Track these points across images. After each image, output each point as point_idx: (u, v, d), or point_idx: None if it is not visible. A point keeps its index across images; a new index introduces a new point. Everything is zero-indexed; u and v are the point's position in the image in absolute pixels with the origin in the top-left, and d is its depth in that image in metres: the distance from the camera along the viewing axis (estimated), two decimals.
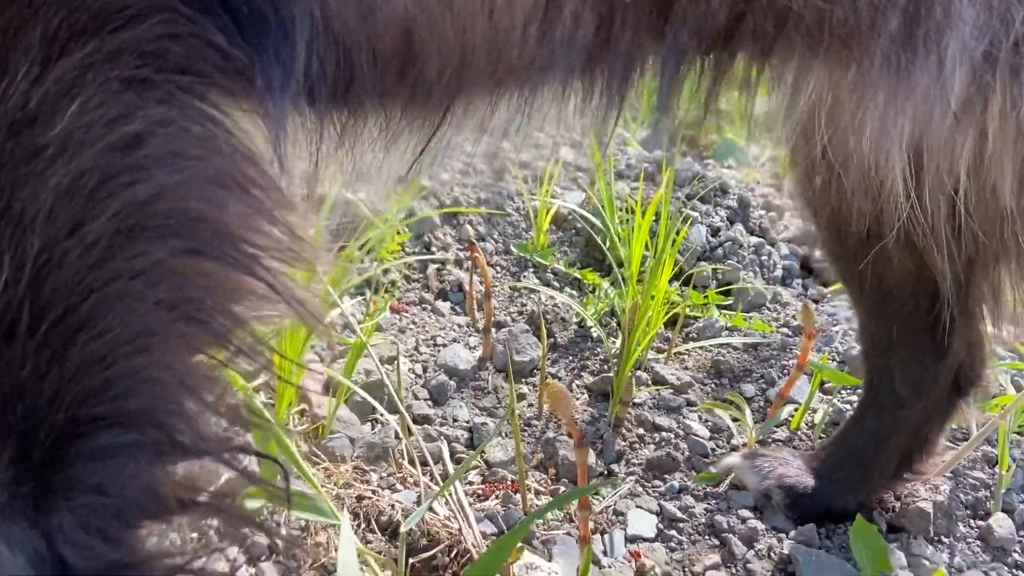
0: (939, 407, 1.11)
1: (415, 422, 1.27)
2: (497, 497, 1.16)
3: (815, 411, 1.41)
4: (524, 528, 0.80)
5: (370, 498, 1.05)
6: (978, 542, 1.20)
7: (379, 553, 0.99)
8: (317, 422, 1.19)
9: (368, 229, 1.55)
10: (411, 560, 0.94)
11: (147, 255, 0.47)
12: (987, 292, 0.94)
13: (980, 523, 1.22)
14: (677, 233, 1.54)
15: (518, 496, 1.16)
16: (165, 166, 0.47)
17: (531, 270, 1.69)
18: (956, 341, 1.02)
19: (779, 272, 1.82)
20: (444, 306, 1.57)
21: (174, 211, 0.48)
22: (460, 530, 0.99)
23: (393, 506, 1.05)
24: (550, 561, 1.07)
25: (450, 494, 1.05)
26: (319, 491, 0.95)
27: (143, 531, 0.49)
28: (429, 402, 1.32)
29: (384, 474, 1.14)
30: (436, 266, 1.63)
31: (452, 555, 0.99)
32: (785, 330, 1.64)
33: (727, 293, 1.75)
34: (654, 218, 1.62)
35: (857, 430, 1.17)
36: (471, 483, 1.19)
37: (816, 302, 1.79)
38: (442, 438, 1.23)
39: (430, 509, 1.04)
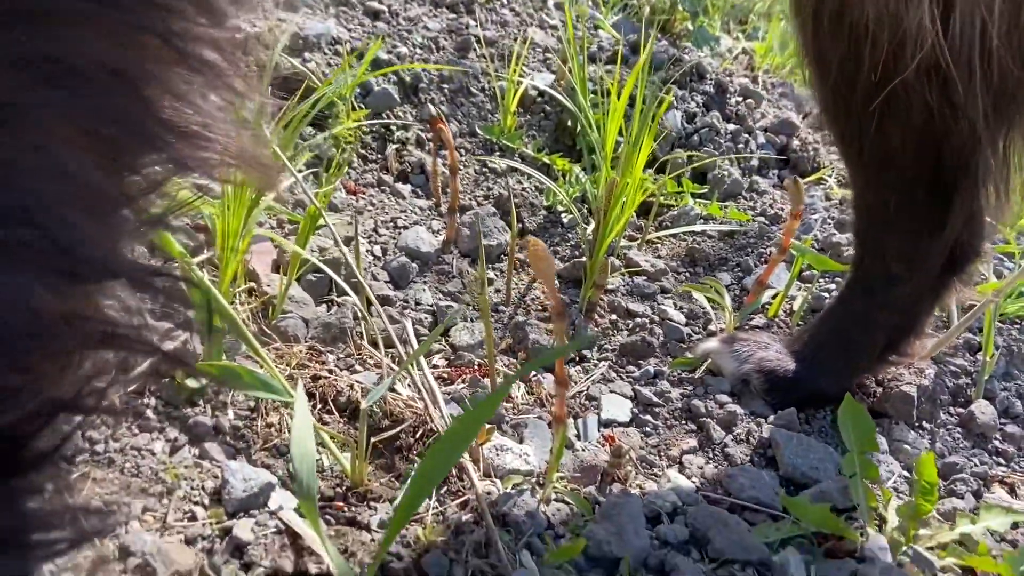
0: (931, 285, 1.05)
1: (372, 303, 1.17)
2: (464, 381, 1.09)
3: (793, 298, 1.36)
4: (494, 401, 0.72)
5: (327, 378, 0.97)
6: (959, 428, 1.17)
7: (333, 438, 0.91)
8: (267, 302, 1.09)
9: (320, 101, 1.42)
10: (372, 440, 0.87)
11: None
12: (999, 154, 0.87)
13: (961, 410, 1.18)
14: (652, 118, 1.44)
15: (486, 380, 1.09)
16: None
17: (497, 154, 1.58)
18: (955, 212, 0.96)
19: (755, 162, 1.74)
20: (404, 188, 1.46)
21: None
22: (425, 409, 0.91)
23: (352, 386, 0.97)
24: (521, 443, 1.01)
25: (414, 373, 0.97)
26: (269, 367, 0.86)
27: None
28: (389, 284, 1.23)
29: (342, 355, 1.06)
30: (396, 146, 1.51)
31: (417, 435, 0.91)
32: (762, 219, 1.57)
33: (702, 181, 1.67)
34: (628, 102, 1.52)
35: (842, 310, 1.11)
36: (435, 367, 1.11)
37: None
38: (406, 319, 1.15)
39: (392, 389, 0.96)
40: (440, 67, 1.63)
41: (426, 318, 1.18)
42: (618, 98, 1.47)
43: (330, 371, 0.99)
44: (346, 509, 0.83)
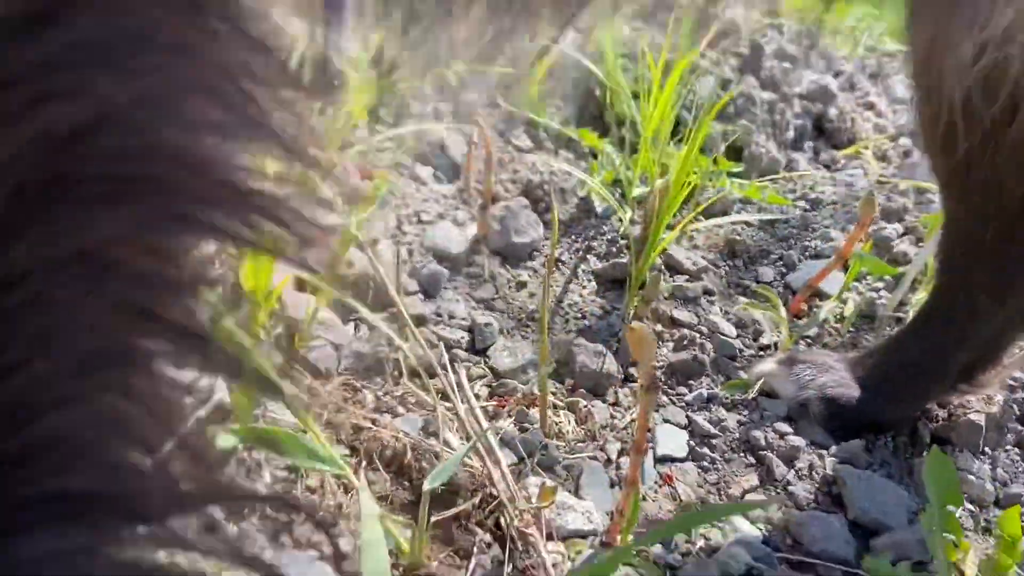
0: (1018, 317, 0.98)
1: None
2: (510, 415, 1.00)
3: (845, 302, 1.28)
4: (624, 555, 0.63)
5: (369, 429, 0.87)
6: (1016, 449, 1.12)
7: (384, 499, 0.82)
8: (292, 327, 0.98)
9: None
10: (433, 516, 0.78)
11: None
12: None
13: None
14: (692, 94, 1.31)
15: (534, 411, 1.00)
16: None
17: (522, 128, 1.45)
18: None
19: (791, 134, 1.63)
20: (425, 172, 1.33)
21: None
22: (488, 475, 0.82)
23: (397, 437, 0.88)
24: (577, 495, 0.93)
25: (469, 424, 0.87)
26: (314, 432, 0.76)
27: None
28: (420, 296, 1.12)
29: (380, 392, 0.95)
30: (413, 123, 1.37)
31: (476, 502, 0.83)
32: (803, 204, 1.47)
33: (737, 157, 1.56)
34: (662, 71, 1.38)
35: (916, 340, 1.03)
36: (477, 396, 1.02)
37: (828, 167, 1.62)
38: (440, 342, 1.04)
39: (445, 444, 0.87)
40: None
41: (464, 337, 1.08)
42: (659, 70, 1.33)
43: (372, 420, 0.89)
44: None
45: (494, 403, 1.01)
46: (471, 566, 0.77)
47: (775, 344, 1.17)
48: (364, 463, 0.85)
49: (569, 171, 1.36)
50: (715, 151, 1.55)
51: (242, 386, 0.83)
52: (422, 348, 0.97)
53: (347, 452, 0.85)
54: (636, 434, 0.78)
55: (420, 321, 1.06)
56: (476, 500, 0.83)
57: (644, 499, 0.94)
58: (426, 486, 0.73)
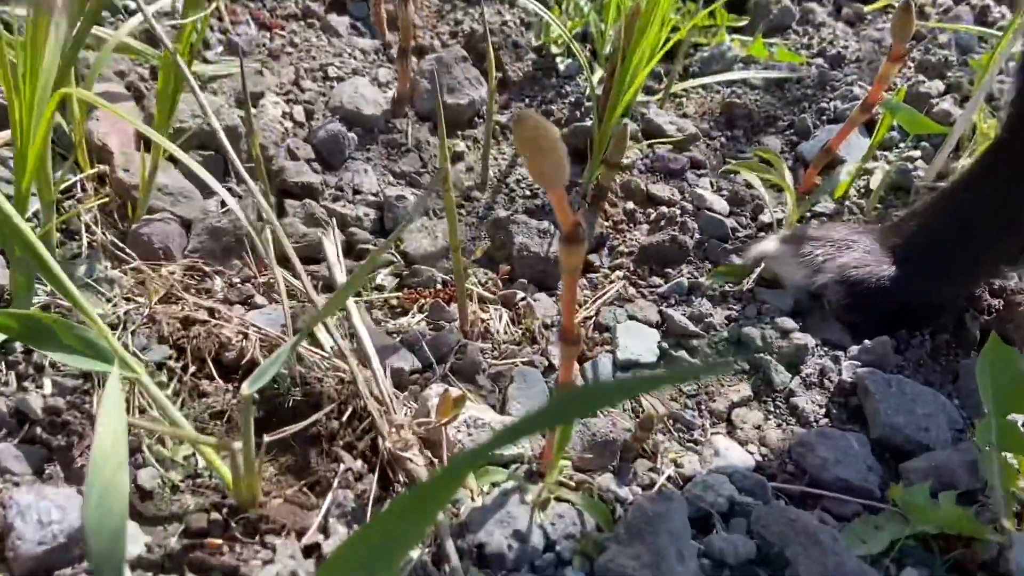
0: None
1: (292, 194, 0.82)
2: (422, 310, 0.76)
3: (870, 172, 1.01)
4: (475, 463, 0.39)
5: (206, 323, 0.63)
6: None
7: (219, 416, 0.59)
8: (123, 194, 0.74)
9: None
10: (265, 435, 0.54)
11: None
12: None
13: None
14: None
15: (453, 307, 0.75)
16: None
17: None
18: None
19: None
20: (340, 22, 1.06)
21: None
22: (352, 375, 0.59)
23: (246, 334, 0.64)
24: (502, 410, 0.69)
25: (340, 313, 0.63)
26: (88, 315, 0.52)
27: None
28: (315, 163, 0.87)
29: (236, 279, 0.71)
30: None
31: (344, 416, 0.59)
32: (820, 61, 1.19)
33: (740, 11, 1.27)
34: None
35: (968, 195, 0.77)
36: (380, 288, 0.77)
37: (851, 24, 1.33)
38: (332, 219, 0.80)
39: (308, 340, 0.63)
40: None
41: (369, 214, 0.83)
42: None
43: (211, 310, 0.65)
44: (225, 550, 0.51)
45: (402, 296, 0.77)
46: (325, 505, 0.54)
47: (778, 222, 0.91)
48: (193, 367, 0.61)
49: (524, 18, 1.09)
50: (716, 2, 1.27)
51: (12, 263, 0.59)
52: (298, 225, 0.73)
53: (170, 352, 0.61)
54: (563, 314, 0.53)
55: (306, 191, 0.81)
56: (345, 415, 0.59)
57: (595, 420, 0.70)
58: (244, 389, 0.49)
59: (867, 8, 1.35)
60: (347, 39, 1.04)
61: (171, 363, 0.60)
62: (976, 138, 1.04)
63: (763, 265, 0.85)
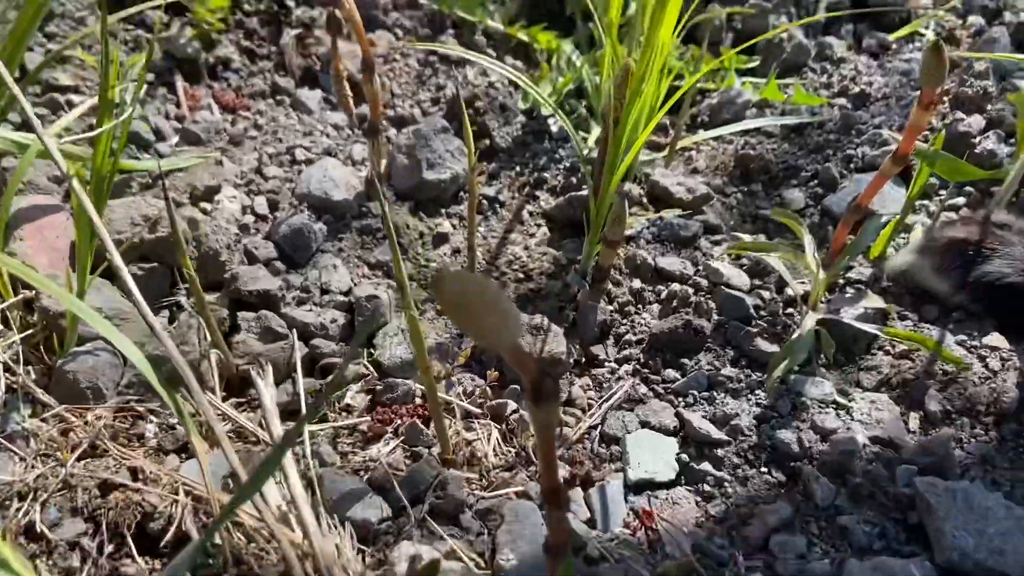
0: None
1: (248, 304, 0.72)
2: (397, 433, 0.65)
3: (909, 228, 0.89)
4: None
5: (127, 489, 0.53)
6: None
7: None
8: (51, 323, 0.65)
9: None
10: None
11: None
12: None
13: None
14: None
15: (432, 428, 0.65)
16: None
17: (451, 31, 1.08)
18: None
19: (821, 13, 1.23)
20: (312, 97, 0.97)
21: None
22: (305, 537, 0.48)
23: (176, 498, 0.54)
24: (491, 562, 0.58)
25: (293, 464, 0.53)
26: None
27: None
28: (278, 262, 0.77)
29: (173, 419, 0.62)
30: (296, 32, 1.01)
31: None
32: (842, 101, 1.08)
33: (750, 49, 1.17)
34: None
35: None
36: (348, 410, 0.67)
37: (875, 56, 1.21)
38: (293, 331, 0.70)
39: (251, 505, 0.53)
40: None
41: (337, 319, 0.73)
42: None
43: (135, 471, 0.55)
44: None
45: (376, 415, 0.66)
46: None
47: (803, 297, 0.80)
48: (108, 544, 0.51)
49: (510, 78, 1.00)
50: (723, 43, 1.17)
51: None
52: (248, 341, 0.63)
53: (85, 526, 0.51)
54: (541, 474, 0.42)
55: (264, 300, 0.71)
56: None
57: (601, 557, 0.59)
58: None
59: (891, 36, 1.23)
60: (319, 115, 0.95)
61: (85, 541, 0.50)
62: None
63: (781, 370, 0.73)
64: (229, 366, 0.64)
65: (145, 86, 0.90)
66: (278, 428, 0.53)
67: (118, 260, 0.55)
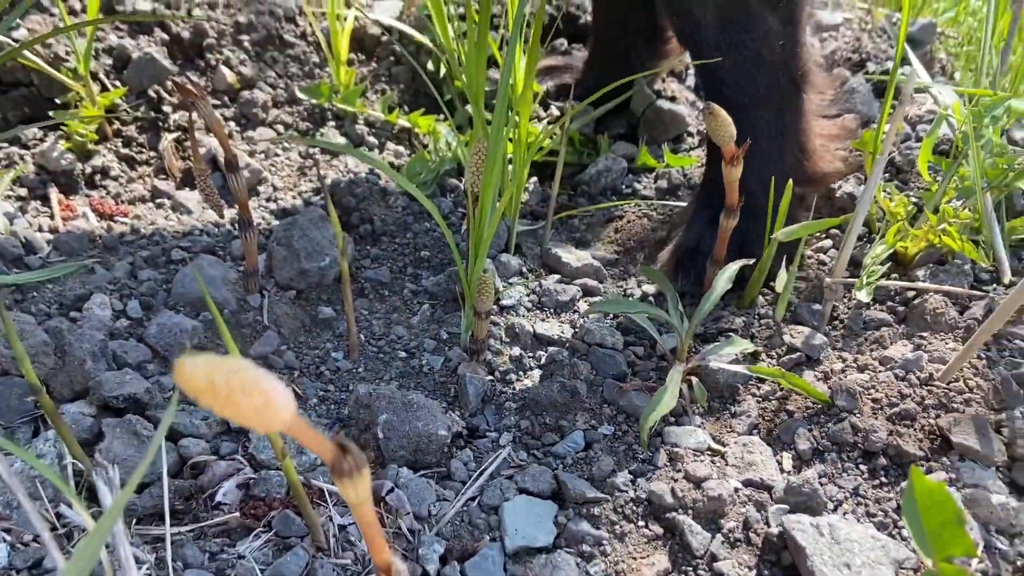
0: None
1: (113, 409, 0.71)
2: (269, 525, 0.64)
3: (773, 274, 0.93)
4: None
5: None
6: None
7: None
8: None
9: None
10: None
11: None
12: None
13: None
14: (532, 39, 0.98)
15: (300, 520, 0.64)
16: None
17: (332, 123, 1.11)
18: None
19: (691, 79, 1.29)
20: (191, 197, 0.99)
21: None
22: None
23: None
24: None
25: None
26: None
27: None
28: (151, 364, 0.77)
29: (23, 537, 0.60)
30: (174, 136, 1.03)
31: None
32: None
33: (622, 108, 1.21)
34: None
35: None
36: (220, 507, 0.66)
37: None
38: (162, 440, 0.69)
39: None
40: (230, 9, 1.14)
41: (210, 417, 0.72)
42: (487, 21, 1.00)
43: None
44: None
45: (238, 515, 0.65)
46: None
47: (673, 351, 0.82)
48: None
49: (393, 162, 1.02)
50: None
51: None
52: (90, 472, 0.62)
53: None
54: (371, 554, 0.42)
55: (135, 405, 0.71)
56: None
57: None
58: None
59: None
60: (199, 214, 0.97)
61: None
62: (886, 219, 0.97)
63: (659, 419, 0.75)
64: (88, 473, 0.63)
65: (17, 202, 0.90)
66: (118, 527, 0.52)
67: None
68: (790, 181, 0.83)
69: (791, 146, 0.89)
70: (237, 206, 0.83)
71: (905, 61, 1.10)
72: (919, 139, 1.20)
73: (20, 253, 0.84)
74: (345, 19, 1.12)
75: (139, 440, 0.68)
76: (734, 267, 0.81)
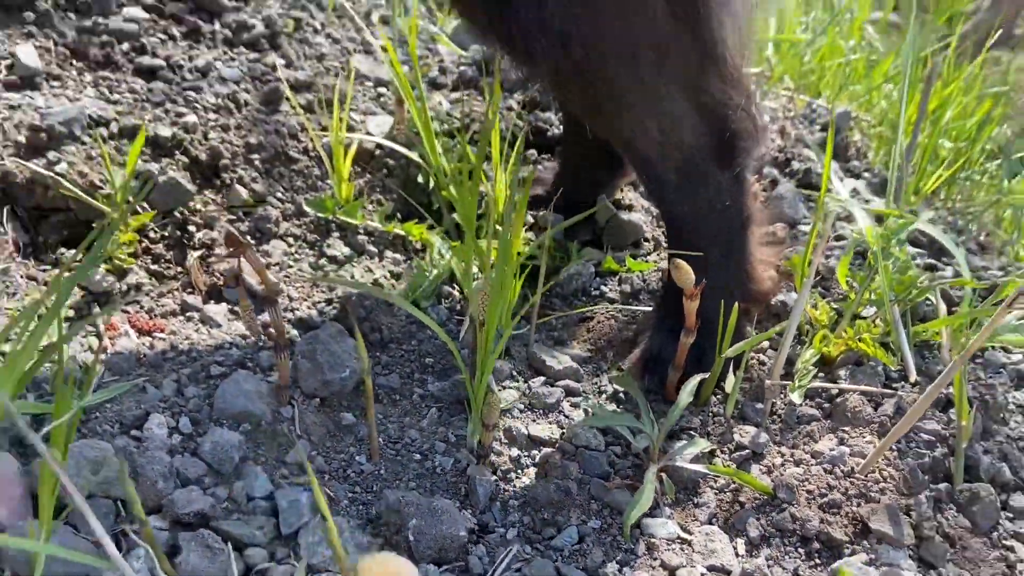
0: None
1: (186, 524, 0.84)
2: None
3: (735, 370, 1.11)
4: None
5: None
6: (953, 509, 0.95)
7: None
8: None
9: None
10: None
11: None
12: None
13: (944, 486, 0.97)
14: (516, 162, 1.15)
15: None
16: None
17: (336, 234, 1.25)
18: None
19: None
20: (218, 312, 1.11)
21: None
22: None
23: None
24: None
25: None
26: None
27: None
28: (207, 478, 0.89)
29: None
30: (199, 253, 1.16)
31: None
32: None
33: (588, 218, 1.38)
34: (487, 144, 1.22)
35: None
36: None
37: None
38: (227, 544, 0.82)
39: None
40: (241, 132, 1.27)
41: (264, 526, 0.85)
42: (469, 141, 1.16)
43: None
44: None
45: None
46: None
47: (645, 450, 0.99)
48: None
49: (394, 271, 1.17)
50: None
51: None
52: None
53: None
54: None
55: (202, 519, 0.83)
56: None
57: None
58: None
59: None
60: (226, 327, 1.09)
61: None
62: (813, 324, 1.17)
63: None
64: None
65: (67, 324, 1.01)
66: None
67: (83, 505, 0.66)
68: (737, 304, 1.01)
69: (739, 274, 1.08)
70: (275, 332, 0.96)
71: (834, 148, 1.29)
72: (842, 237, 1.40)
73: (80, 376, 0.95)
74: (346, 138, 1.27)
75: (212, 552, 0.80)
76: (694, 381, 0.99)
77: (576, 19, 0.88)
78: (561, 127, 1.47)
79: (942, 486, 0.97)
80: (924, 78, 1.56)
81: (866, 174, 1.72)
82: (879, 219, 1.28)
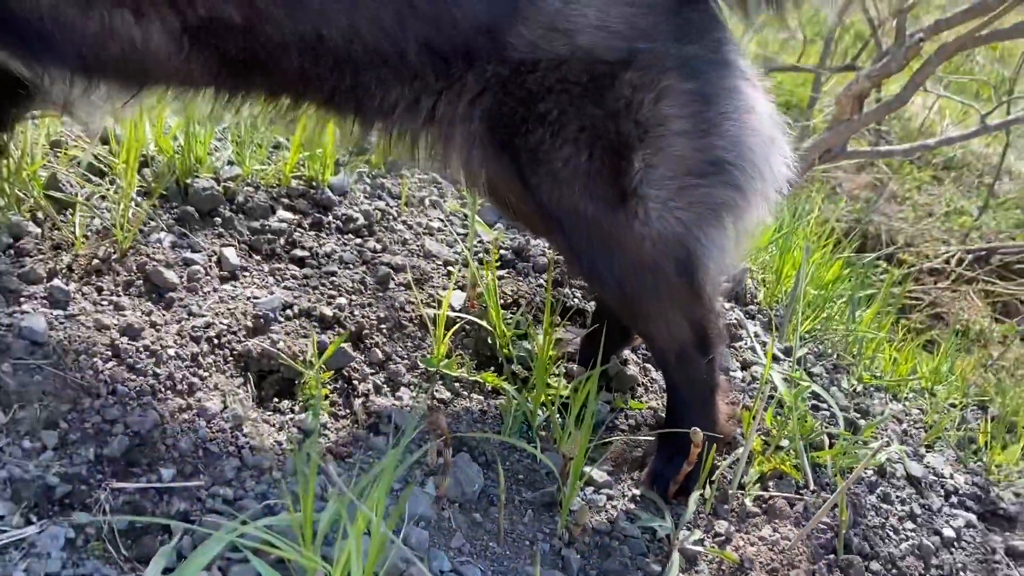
0: None
1: None
2: None
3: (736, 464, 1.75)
4: None
5: None
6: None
7: None
8: None
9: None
10: None
11: None
12: None
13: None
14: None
15: None
16: None
17: (440, 381, 1.81)
18: None
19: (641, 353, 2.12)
20: (378, 441, 1.65)
21: None
22: None
23: None
24: None
25: None
26: None
27: None
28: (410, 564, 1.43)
29: None
30: (361, 399, 1.69)
31: None
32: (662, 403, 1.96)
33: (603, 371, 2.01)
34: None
35: None
36: None
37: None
38: None
39: None
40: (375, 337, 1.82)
41: None
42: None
43: None
44: None
45: None
46: None
47: (667, 537, 1.61)
48: None
49: (483, 407, 1.74)
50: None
51: None
52: None
53: None
54: None
55: None
56: None
57: None
58: None
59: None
60: (386, 451, 1.63)
61: None
62: (755, 453, 1.83)
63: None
64: None
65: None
66: None
67: None
68: (713, 445, 1.66)
69: (710, 424, 1.73)
70: (444, 461, 1.51)
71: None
72: (756, 378, 2.10)
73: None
74: (446, 315, 1.84)
75: None
76: (695, 497, 1.62)
77: (621, 277, 1.52)
78: (578, 300, 2.10)
79: (831, 556, 1.65)
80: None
81: (760, 316, 2.45)
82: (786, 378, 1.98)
